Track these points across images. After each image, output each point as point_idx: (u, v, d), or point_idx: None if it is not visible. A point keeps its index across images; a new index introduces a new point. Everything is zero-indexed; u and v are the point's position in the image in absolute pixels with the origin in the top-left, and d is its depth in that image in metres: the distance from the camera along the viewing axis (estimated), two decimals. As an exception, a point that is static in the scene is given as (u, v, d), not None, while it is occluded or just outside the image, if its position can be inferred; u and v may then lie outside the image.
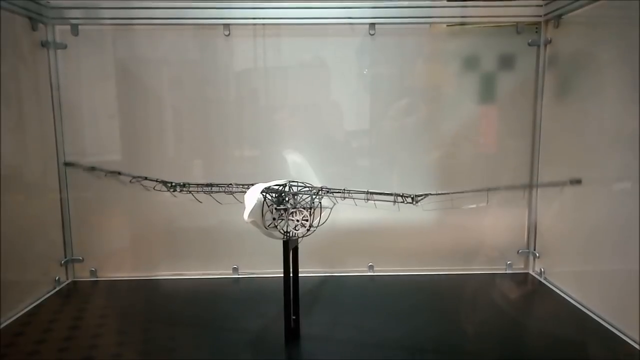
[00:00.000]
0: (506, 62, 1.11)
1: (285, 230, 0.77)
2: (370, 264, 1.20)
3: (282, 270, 0.81)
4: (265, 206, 0.78)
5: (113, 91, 1.13)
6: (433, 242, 1.20)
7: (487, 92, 1.13)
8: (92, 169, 1.09)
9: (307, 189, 0.80)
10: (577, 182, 0.92)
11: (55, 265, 1.13)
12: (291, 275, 0.83)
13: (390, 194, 0.79)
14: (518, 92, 1.13)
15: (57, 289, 1.11)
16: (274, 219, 0.77)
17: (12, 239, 0.95)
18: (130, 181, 0.99)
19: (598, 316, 0.92)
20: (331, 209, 0.89)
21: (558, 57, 1.08)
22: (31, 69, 1.05)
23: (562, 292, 1.05)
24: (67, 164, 1.12)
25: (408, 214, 1.18)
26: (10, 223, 0.94)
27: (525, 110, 1.14)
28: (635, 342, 0.82)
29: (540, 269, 1.15)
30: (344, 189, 0.79)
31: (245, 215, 0.74)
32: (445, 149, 1.16)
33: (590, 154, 0.96)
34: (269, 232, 0.79)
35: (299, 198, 0.78)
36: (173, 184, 0.94)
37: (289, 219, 0.77)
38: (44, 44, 1.07)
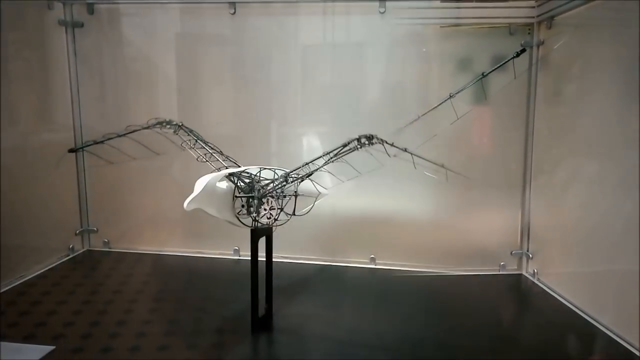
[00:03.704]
0: (499, 63, 1.06)
1: (254, 218, 0.76)
2: (371, 256, 1.17)
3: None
4: (235, 193, 0.76)
5: (128, 68, 1.16)
6: (426, 243, 1.16)
7: (479, 93, 1.08)
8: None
9: (281, 175, 0.78)
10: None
11: (71, 234, 1.21)
12: (264, 262, 0.82)
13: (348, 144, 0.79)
14: (511, 93, 1.09)
15: (70, 256, 1.18)
16: (242, 206, 0.76)
17: (30, 208, 1.03)
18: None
19: (590, 317, 0.90)
20: (316, 198, 0.87)
21: (550, 58, 1.05)
22: (48, 47, 1.09)
23: (555, 293, 1.02)
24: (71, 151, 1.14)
25: (405, 214, 1.14)
26: (29, 192, 1.01)
27: (518, 110, 1.11)
28: (626, 342, 0.80)
29: (534, 270, 1.12)
30: (306, 163, 0.78)
31: (186, 203, 0.67)
32: (438, 151, 1.09)
33: (582, 155, 0.95)
34: (233, 219, 0.77)
35: (269, 186, 0.76)
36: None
37: (258, 208, 0.75)
38: (61, 23, 1.11)
